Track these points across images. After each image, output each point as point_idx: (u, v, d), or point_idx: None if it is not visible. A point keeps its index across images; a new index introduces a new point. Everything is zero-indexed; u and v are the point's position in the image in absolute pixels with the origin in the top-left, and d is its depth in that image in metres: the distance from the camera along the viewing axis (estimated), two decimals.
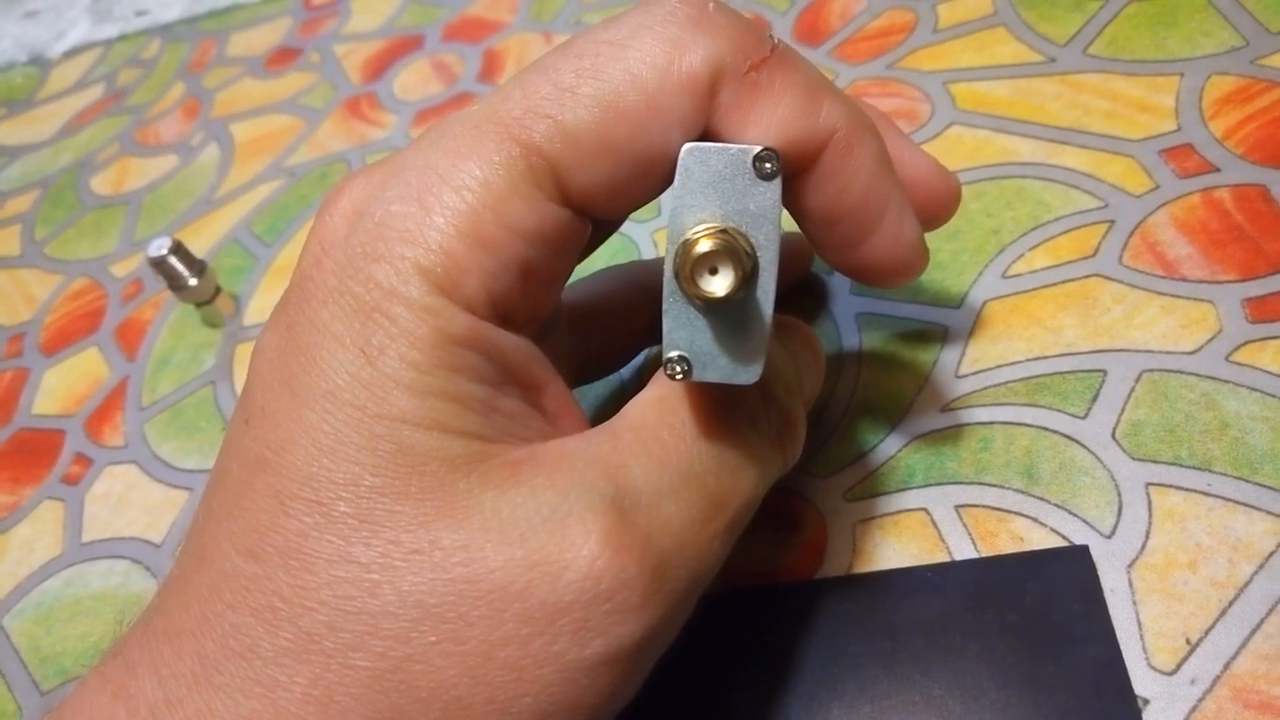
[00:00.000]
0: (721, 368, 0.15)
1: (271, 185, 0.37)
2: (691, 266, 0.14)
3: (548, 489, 0.15)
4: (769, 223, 0.14)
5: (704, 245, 0.14)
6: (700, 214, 0.14)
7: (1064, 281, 0.24)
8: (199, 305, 0.32)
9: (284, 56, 0.43)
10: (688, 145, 0.15)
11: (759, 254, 0.14)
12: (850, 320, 0.25)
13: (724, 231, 0.14)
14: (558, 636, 0.14)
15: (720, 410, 0.16)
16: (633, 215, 0.30)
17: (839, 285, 0.26)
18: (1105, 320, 0.23)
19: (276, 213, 0.36)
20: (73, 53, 0.50)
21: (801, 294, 0.26)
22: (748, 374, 0.15)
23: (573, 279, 0.23)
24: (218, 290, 0.32)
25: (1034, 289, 0.24)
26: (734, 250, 0.14)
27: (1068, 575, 0.20)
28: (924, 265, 0.18)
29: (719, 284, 0.14)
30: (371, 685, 0.14)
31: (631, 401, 0.17)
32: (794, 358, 0.19)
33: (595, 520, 0.14)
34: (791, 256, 0.25)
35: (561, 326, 0.20)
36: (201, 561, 0.15)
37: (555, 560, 0.14)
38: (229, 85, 0.43)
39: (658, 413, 0.16)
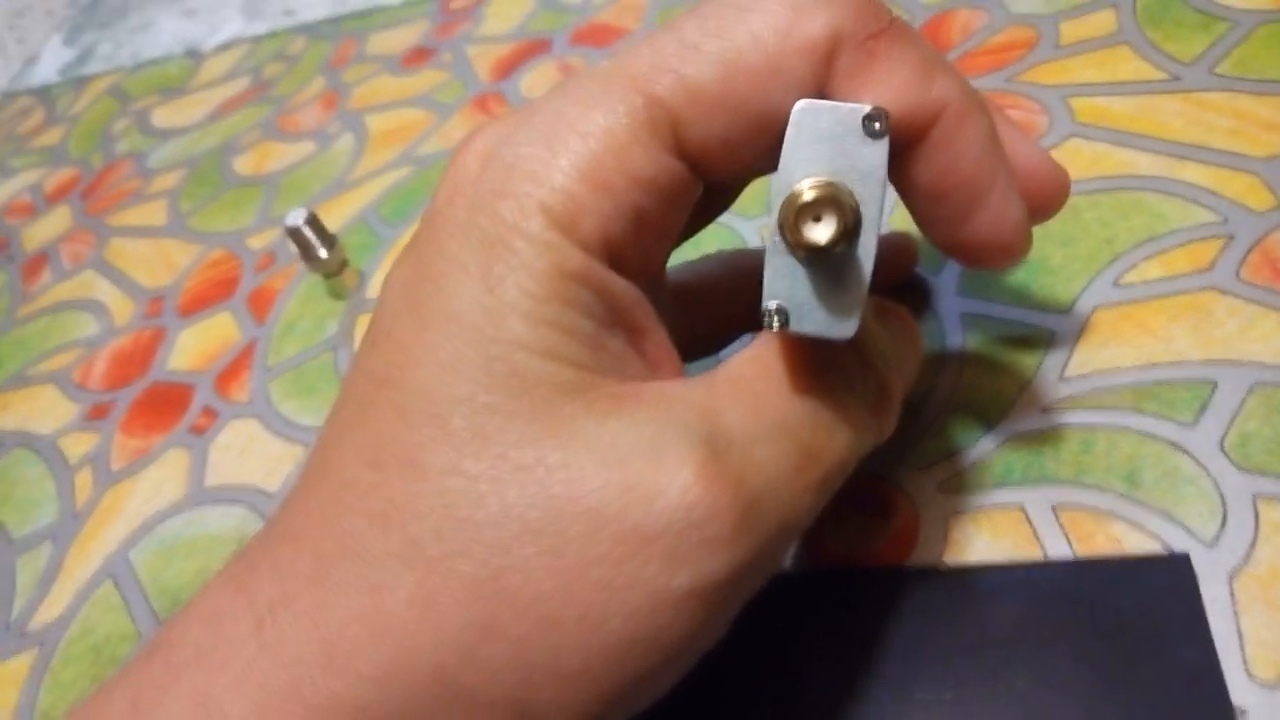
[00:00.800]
0: (818, 320, 0.15)
1: (400, 172, 0.39)
2: (796, 214, 0.15)
3: (647, 422, 0.15)
4: (875, 180, 0.15)
5: (809, 194, 0.14)
6: (809, 168, 0.15)
7: (1177, 293, 0.24)
8: (327, 277, 0.34)
9: (419, 56, 0.46)
10: (801, 101, 0.15)
11: (863, 210, 0.15)
12: (955, 319, 0.25)
13: (831, 184, 0.15)
14: (649, 561, 0.14)
15: (817, 369, 0.17)
16: (739, 210, 0.30)
17: (945, 284, 0.26)
18: (1218, 333, 0.22)
19: (404, 197, 0.38)
20: (224, 47, 0.54)
21: (907, 292, 0.26)
22: (843, 328, 0.15)
23: (680, 262, 0.24)
24: (345, 264, 0.34)
25: (1146, 299, 0.24)
26: (838, 201, 0.14)
27: (1167, 582, 0.19)
28: (1027, 248, 0.18)
29: (822, 232, 0.14)
30: (471, 591, 0.14)
31: (730, 357, 0.17)
32: (893, 337, 0.19)
33: (691, 453, 0.15)
34: (896, 254, 0.26)
35: (667, 299, 0.21)
36: (324, 471, 0.16)
37: (651, 485, 0.15)
38: (366, 80, 0.46)
39: (755, 367, 0.17)
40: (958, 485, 0.22)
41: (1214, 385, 0.22)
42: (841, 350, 0.17)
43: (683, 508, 0.15)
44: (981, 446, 0.22)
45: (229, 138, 0.46)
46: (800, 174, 0.15)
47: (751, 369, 0.17)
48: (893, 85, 0.16)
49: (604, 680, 0.15)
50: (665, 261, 0.19)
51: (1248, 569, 0.19)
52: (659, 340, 0.18)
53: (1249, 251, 0.24)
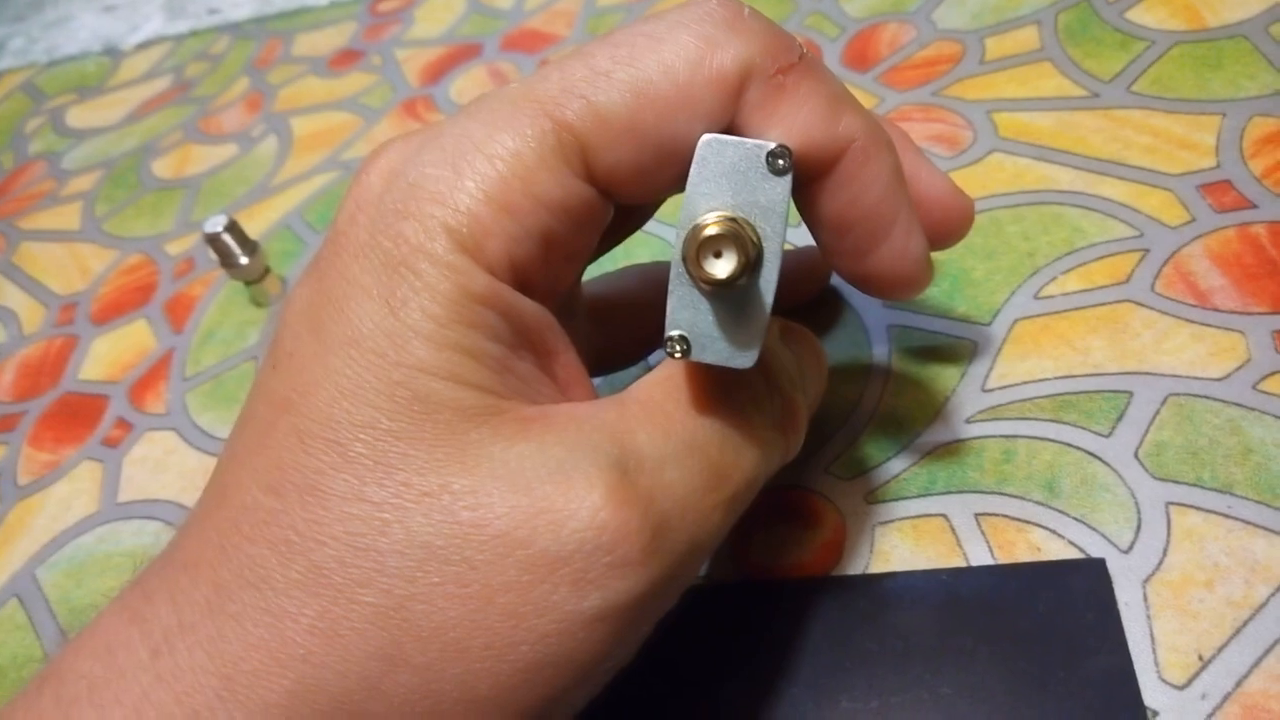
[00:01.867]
0: (719, 350, 0.16)
1: (326, 176, 0.38)
2: (698, 248, 0.15)
3: (556, 445, 0.15)
4: (776, 216, 0.15)
5: (711, 229, 0.15)
6: (712, 202, 0.15)
7: (1096, 305, 0.24)
8: (248, 283, 0.33)
9: (347, 58, 0.45)
10: (706, 136, 0.15)
11: (764, 244, 0.15)
12: (881, 331, 0.25)
13: (732, 220, 0.15)
14: (557, 585, 0.14)
15: (725, 391, 0.17)
16: (667, 219, 0.30)
17: (870, 299, 0.26)
18: (1134, 344, 0.23)
19: (329, 202, 0.37)
20: (145, 45, 0.52)
21: (834, 304, 0.26)
22: (744, 358, 0.16)
23: (599, 274, 0.24)
24: (266, 271, 0.33)
25: (1065, 310, 0.24)
26: (739, 237, 0.15)
27: (1083, 586, 0.20)
28: (927, 281, 0.18)
29: (722, 267, 0.15)
30: (375, 621, 0.14)
31: (641, 379, 0.17)
32: (798, 359, 0.20)
33: (600, 476, 0.15)
34: (810, 270, 0.26)
35: (581, 315, 0.21)
36: (223, 497, 0.16)
37: (559, 509, 0.15)
38: (292, 82, 0.44)
39: (665, 389, 0.17)
40: (884, 495, 0.22)
41: (1130, 396, 0.22)
42: (749, 373, 0.18)
43: (592, 530, 0.15)
44: (906, 456, 0.23)
45: (148, 139, 0.45)
46: (704, 208, 0.15)
47: (661, 391, 0.17)
48: (800, 120, 0.16)
49: (514, 705, 0.14)
50: (577, 280, 0.19)
51: (1160, 574, 0.19)
52: (569, 362, 0.18)
53: (1163, 265, 0.24)
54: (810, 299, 0.27)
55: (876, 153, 0.17)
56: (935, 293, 0.26)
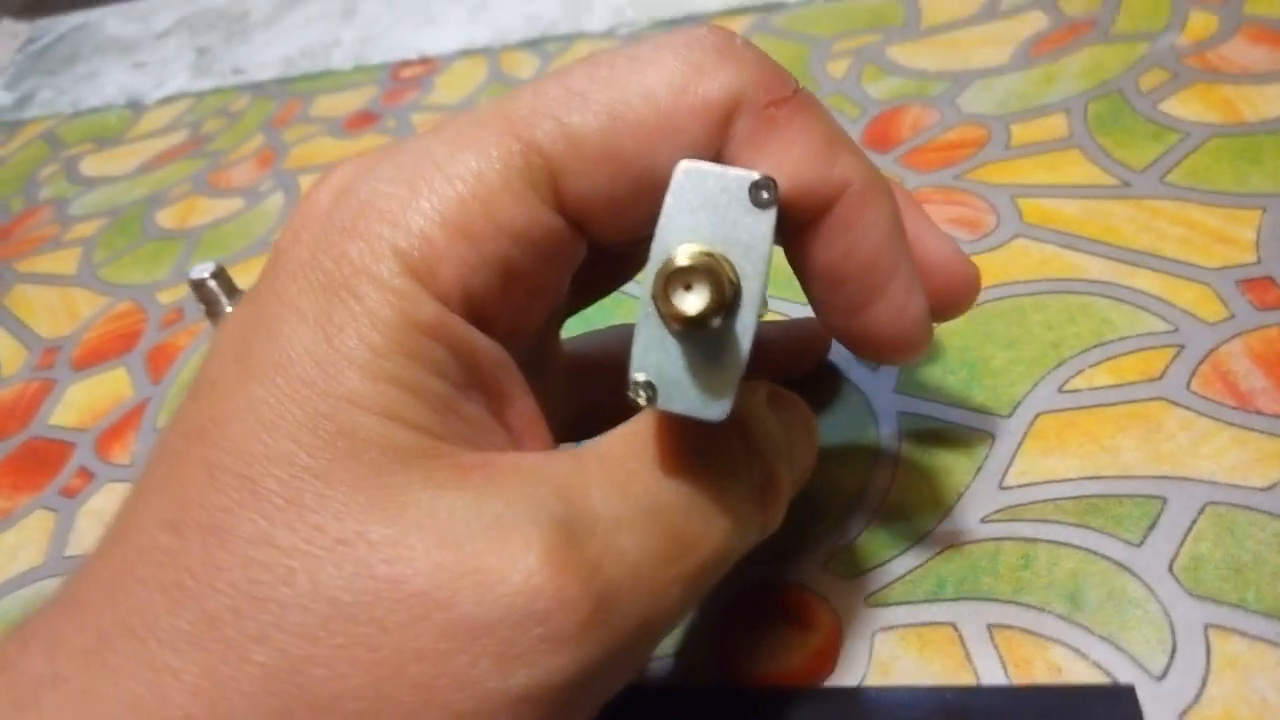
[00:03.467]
0: (689, 399, 0.14)
1: None
2: (666, 282, 0.13)
3: (494, 497, 0.14)
4: (758, 254, 0.14)
5: (683, 261, 0.13)
6: (687, 235, 0.14)
7: (1126, 402, 0.22)
8: None
9: (363, 120, 0.44)
10: (684, 163, 0.14)
11: (743, 283, 0.14)
12: (891, 416, 0.23)
13: (709, 254, 0.13)
14: (478, 657, 0.12)
15: (698, 452, 0.15)
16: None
17: (882, 381, 0.24)
18: (1168, 446, 0.21)
19: None
20: (167, 100, 0.52)
21: (839, 383, 0.25)
22: (715, 409, 0.14)
23: (581, 333, 0.23)
24: None
25: (1093, 406, 0.22)
26: (714, 272, 0.13)
27: (1110, 718, 0.17)
28: (925, 345, 0.17)
29: (692, 303, 0.13)
30: (265, 684, 0.12)
31: (605, 433, 0.16)
32: (786, 425, 0.18)
33: (539, 535, 0.13)
34: (806, 341, 0.25)
35: (558, 372, 0.19)
36: (121, 535, 0.14)
37: (489, 570, 0.13)
38: (306, 141, 0.44)
39: (628, 444, 0.15)
40: (887, 598, 0.20)
41: (1163, 502, 0.20)
42: (726, 433, 0.16)
43: (524, 596, 0.13)
44: (913, 556, 0.20)
45: (157, 190, 0.44)
46: (677, 240, 0.14)
47: (624, 446, 0.15)
48: (792, 157, 0.15)
49: None
50: (549, 328, 0.18)
51: (1199, 708, 0.17)
52: (525, 409, 0.16)
53: (1200, 363, 0.22)
54: (806, 372, 0.25)
55: (874, 199, 0.15)
56: (951, 380, 0.24)
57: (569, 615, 0.13)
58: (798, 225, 0.16)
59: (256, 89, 0.50)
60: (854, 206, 0.15)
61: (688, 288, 0.13)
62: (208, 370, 0.15)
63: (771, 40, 0.40)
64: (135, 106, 0.53)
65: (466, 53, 0.47)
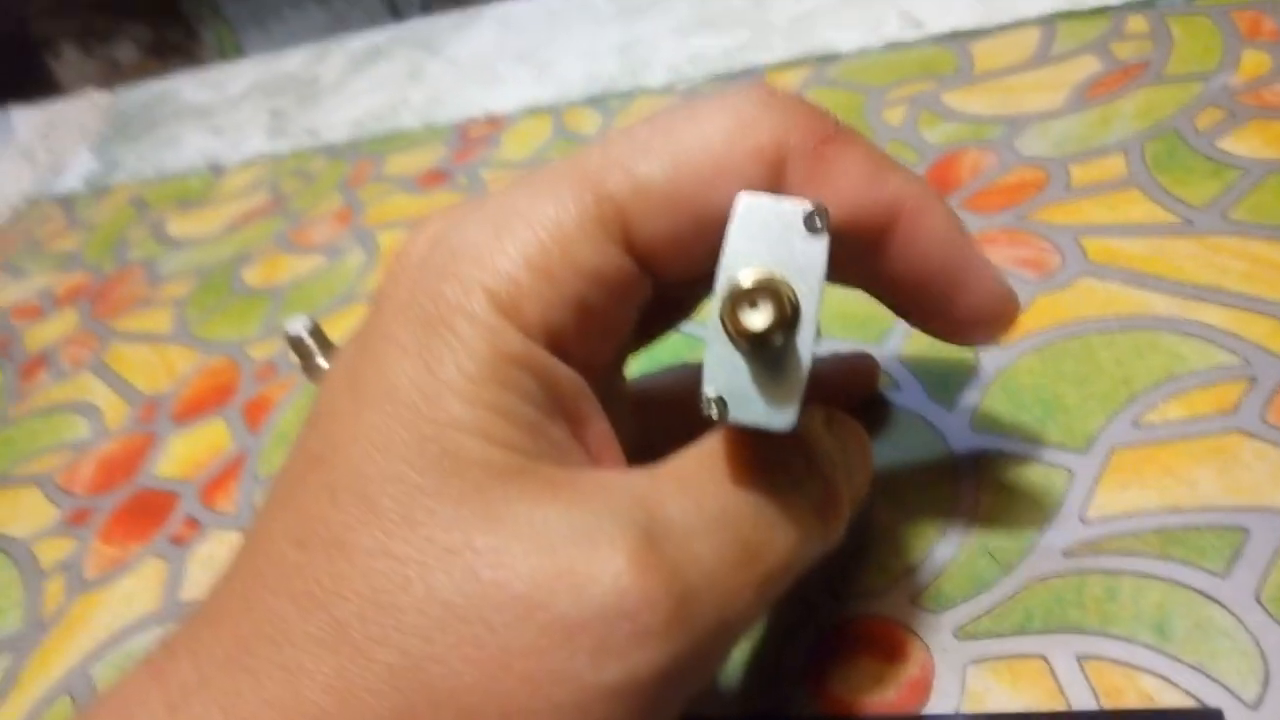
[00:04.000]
0: (757, 411, 0.15)
1: None
2: (734, 300, 0.15)
3: (582, 509, 0.15)
4: (814, 275, 0.15)
5: (747, 282, 0.15)
6: (749, 259, 0.15)
7: (1201, 435, 0.23)
8: None
9: (435, 178, 0.46)
10: (744, 195, 0.16)
11: (801, 303, 0.15)
12: (969, 454, 0.24)
13: (769, 275, 0.15)
14: (576, 653, 0.14)
15: (763, 467, 0.17)
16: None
17: (958, 421, 0.25)
18: (1247, 477, 0.22)
19: None
20: (246, 163, 0.55)
21: (918, 427, 0.25)
22: (782, 419, 0.15)
23: (641, 374, 0.24)
24: None
25: (1168, 440, 0.23)
26: (776, 291, 0.15)
27: None
28: (1017, 310, 0.19)
29: (758, 319, 0.15)
30: (390, 681, 0.14)
31: (677, 452, 0.17)
32: (843, 445, 0.19)
33: (624, 541, 0.15)
34: (857, 374, 0.26)
35: (624, 405, 0.21)
36: (252, 552, 0.16)
37: (582, 573, 0.14)
38: (381, 199, 0.46)
39: (699, 460, 0.17)
40: (976, 631, 0.21)
41: (1245, 533, 0.21)
42: (787, 449, 0.17)
43: (614, 594, 0.14)
44: (1001, 589, 0.21)
45: (242, 249, 0.46)
46: (741, 264, 0.15)
47: (696, 462, 0.17)
48: (847, 186, 0.17)
49: None
50: (618, 360, 0.20)
51: None
52: (602, 431, 0.18)
53: (1274, 394, 0.23)
54: (859, 402, 0.26)
55: (930, 205, 0.17)
56: (1026, 419, 0.25)
57: (654, 613, 0.14)
58: (869, 247, 0.18)
59: (330, 150, 0.52)
60: (915, 216, 0.17)
61: (753, 306, 0.15)
62: (322, 403, 0.17)
63: (827, 91, 0.41)
64: (215, 169, 0.56)
65: (531, 110, 0.49)
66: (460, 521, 0.15)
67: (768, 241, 0.15)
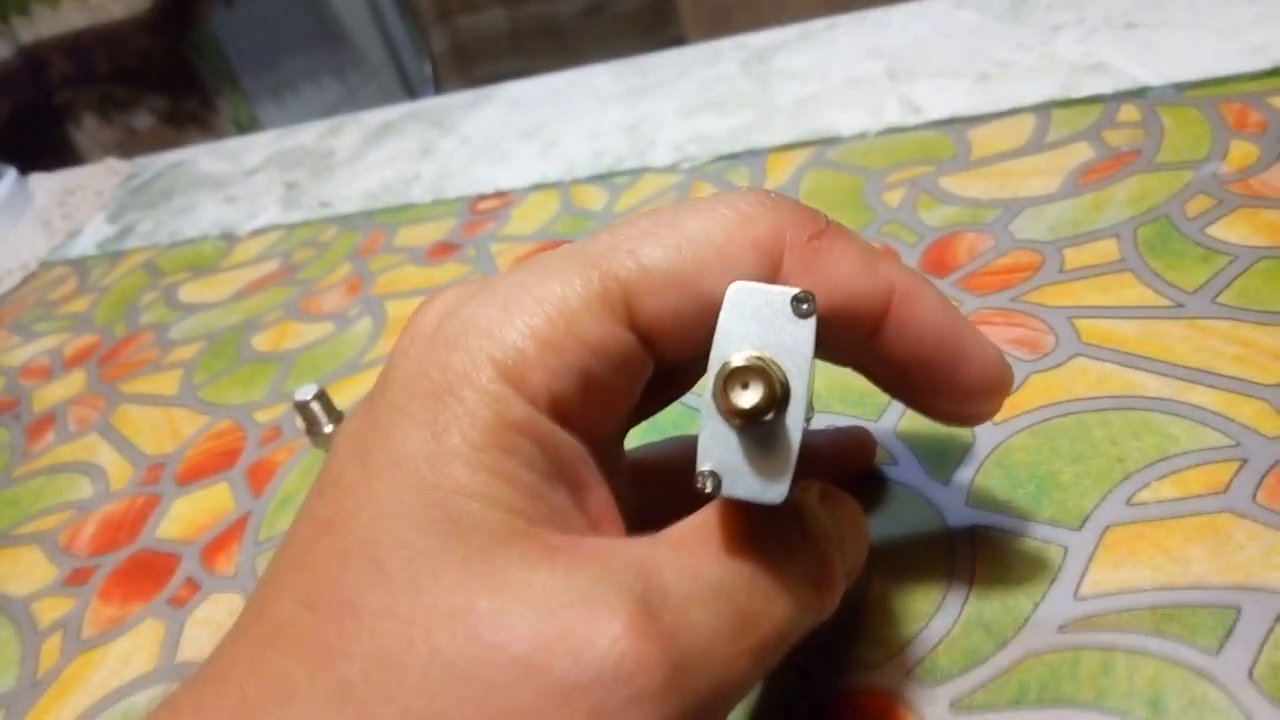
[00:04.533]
0: (749, 485, 0.16)
1: None
2: (725, 381, 0.16)
3: (581, 575, 0.15)
4: (802, 355, 0.16)
5: (738, 361, 0.16)
6: (741, 342, 0.16)
7: (1193, 515, 0.23)
8: None
9: (444, 249, 0.47)
10: (736, 283, 0.17)
11: (791, 382, 0.16)
12: (965, 532, 0.24)
13: (759, 357, 0.16)
14: (574, 715, 0.14)
15: (758, 538, 0.17)
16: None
17: (953, 496, 0.26)
18: (1239, 557, 0.22)
19: None
20: (259, 231, 0.56)
21: (916, 503, 0.26)
22: (773, 492, 0.16)
23: (641, 444, 0.25)
24: None
25: (1161, 519, 0.23)
26: (765, 371, 0.16)
27: None
28: (1013, 379, 0.20)
29: (749, 398, 0.16)
30: None
31: (675, 523, 0.18)
32: (837, 519, 0.20)
33: (623, 607, 0.15)
34: (853, 447, 0.27)
35: (624, 475, 0.22)
36: (260, 613, 0.16)
37: (580, 636, 0.15)
38: (391, 269, 0.47)
39: (696, 531, 0.17)
40: (972, 704, 0.21)
41: (1237, 611, 0.21)
42: (782, 522, 0.18)
43: (612, 659, 0.14)
44: (996, 662, 0.21)
45: (252, 315, 0.47)
46: (733, 347, 0.16)
47: (693, 532, 0.17)
48: (842, 275, 0.18)
49: None
50: (618, 432, 0.20)
51: None
52: (602, 498, 0.18)
53: (1265, 475, 0.23)
54: (855, 476, 0.27)
55: (920, 288, 0.18)
56: (1021, 494, 0.25)
57: (650, 677, 0.15)
58: (867, 333, 0.18)
59: (343, 221, 0.54)
60: (908, 300, 0.18)
61: (744, 386, 0.16)
62: (330, 470, 0.18)
63: (829, 173, 0.42)
64: (229, 237, 0.57)
65: (539, 186, 0.50)
66: (463, 584, 0.15)
67: (758, 325, 0.16)
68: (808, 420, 0.16)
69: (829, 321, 0.18)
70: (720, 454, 0.16)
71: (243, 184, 0.64)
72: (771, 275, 0.18)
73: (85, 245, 0.63)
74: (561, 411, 0.17)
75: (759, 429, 0.16)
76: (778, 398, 0.16)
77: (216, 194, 0.64)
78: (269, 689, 0.15)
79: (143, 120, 1.51)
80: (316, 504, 0.17)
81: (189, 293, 0.52)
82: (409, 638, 0.15)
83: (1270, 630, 0.20)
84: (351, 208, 0.55)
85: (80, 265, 0.60)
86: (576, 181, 0.50)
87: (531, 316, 0.17)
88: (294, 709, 0.15)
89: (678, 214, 0.18)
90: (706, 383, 0.16)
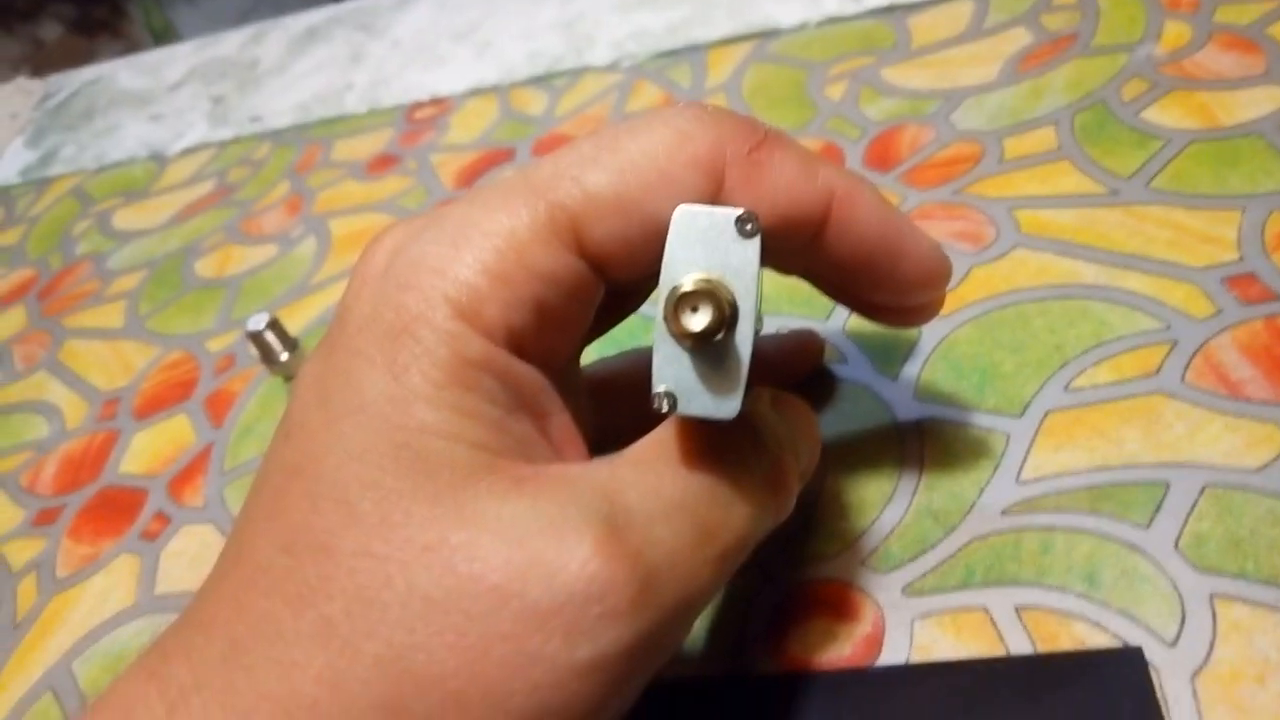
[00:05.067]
0: (704, 402, 0.17)
1: None
2: (676, 305, 0.16)
3: (548, 501, 0.16)
4: (748, 275, 0.17)
5: (688, 287, 0.16)
6: (688, 265, 0.17)
7: (1127, 397, 0.24)
8: (287, 379, 0.34)
9: (384, 163, 0.46)
10: (680, 206, 0.17)
11: (739, 303, 0.16)
12: (913, 424, 0.26)
13: (707, 280, 0.16)
14: (550, 636, 0.15)
15: (714, 450, 0.18)
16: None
17: (902, 390, 0.27)
18: (1168, 436, 0.23)
19: None
20: (189, 151, 0.54)
21: (865, 400, 0.27)
22: (726, 408, 0.17)
23: (596, 359, 0.26)
24: None
25: (1097, 402, 0.24)
26: (714, 294, 0.16)
27: (1121, 675, 0.20)
28: (951, 269, 0.20)
29: (699, 321, 0.16)
30: (377, 670, 0.15)
31: (635, 443, 0.18)
32: (788, 423, 0.20)
33: (589, 530, 0.16)
34: (801, 349, 0.28)
35: (582, 394, 0.22)
36: (239, 558, 0.17)
37: (551, 562, 0.15)
38: (330, 186, 0.46)
39: (655, 449, 0.18)
40: (923, 588, 0.22)
41: (1166, 486, 0.22)
42: (736, 433, 0.19)
43: (582, 580, 0.15)
44: (945, 547, 0.23)
45: (191, 240, 0.46)
46: (681, 271, 0.17)
47: (652, 451, 0.18)
48: (782, 185, 0.18)
49: None
50: (574, 355, 0.21)
51: (1209, 669, 0.19)
52: (563, 424, 0.19)
53: (1193, 357, 0.24)
54: (804, 377, 0.28)
55: (858, 190, 0.19)
56: (965, 386, 0.26)
57: (620, 595, 0.15)
58: (809, 239, 0.19)
59: (276, 136, 0.52)
60: (847, 203, 0.19)
61: (694, 309, 0.16)
62: (293, 415, 0.18)
63: (770, 68, 0.42)
64: (158, 158, 0.55)
65: (477, 91, 0.49)
66: (435, 520, 0.16)
67: (704, 247, 0.17)
68: (757, 332, 0.17)
69: (773, 232, 0.18)
70: (674, 374, 0.17)
71: (166, 100, 0.61)
72: (714, 192, 0.18)
73: (6, 172, 0.60)
74: (518, 343, 0.18)
75: (710, 349, 0.17)
76: (727, 318, 0.16)
77: (140, 112, 0.61)
78: (256, 630, 0.16)
79: (50, 30, 1.43)
80: (284, 449, 0.18)
81: (123, 219, 0.51)
82: (386, 574, 0.15)
83: (1195, 503, 0.22)
84: (283, 122, 0.53)
85: (4, 195, 0.58)
86: (515, 85, 0.48)
87: (481, 251, 0.17)
88: (281, 647, 0.15)
89: (617, 136, 0.18)
90: (657, 308, 0.17)
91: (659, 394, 0.17)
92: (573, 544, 0.15)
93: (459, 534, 0.16)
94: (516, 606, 0.15)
